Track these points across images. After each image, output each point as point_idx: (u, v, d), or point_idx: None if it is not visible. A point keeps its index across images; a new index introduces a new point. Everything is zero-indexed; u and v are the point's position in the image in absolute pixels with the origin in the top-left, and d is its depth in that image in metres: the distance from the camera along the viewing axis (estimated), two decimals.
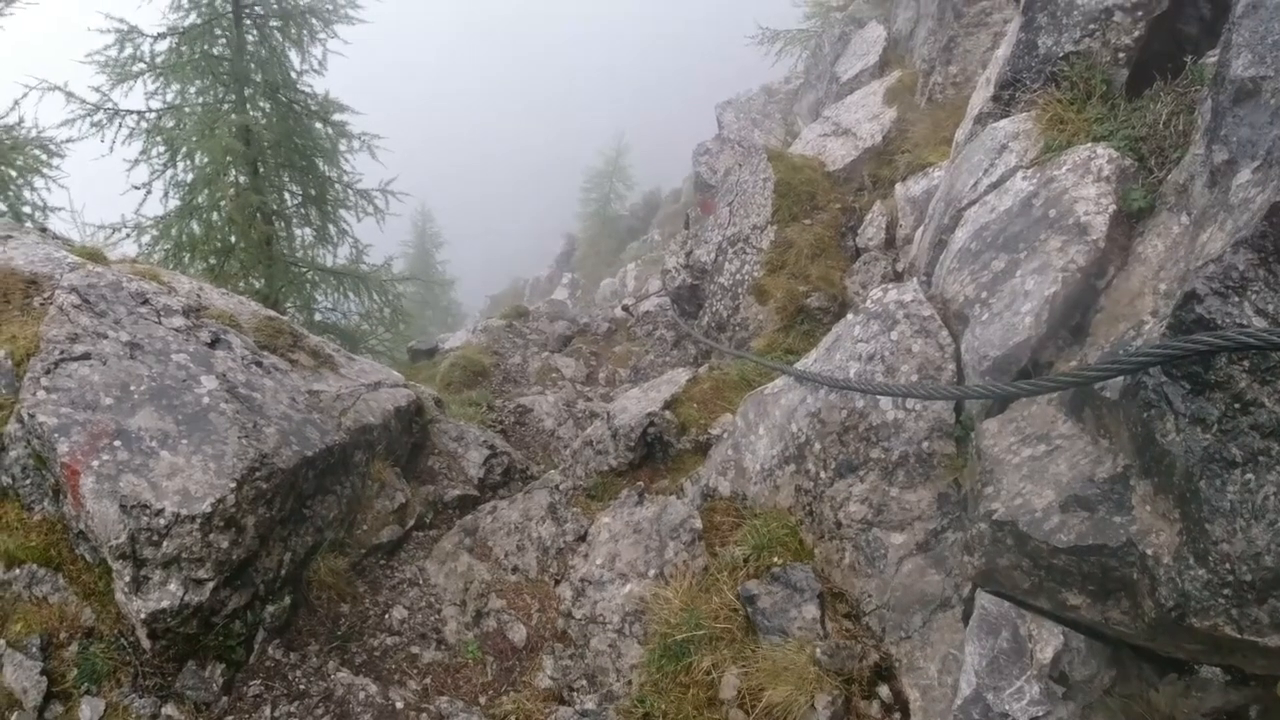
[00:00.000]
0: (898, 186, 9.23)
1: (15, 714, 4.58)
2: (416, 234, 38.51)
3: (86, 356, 5.24)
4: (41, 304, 5.84)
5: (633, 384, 11.28)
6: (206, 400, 5.24)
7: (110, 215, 12.82)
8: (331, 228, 14.45)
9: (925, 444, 4.64)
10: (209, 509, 4.67)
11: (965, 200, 5.42)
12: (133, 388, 5.14)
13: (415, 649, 5.51)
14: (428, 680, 5.32)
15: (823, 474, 5.05)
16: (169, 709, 4.71)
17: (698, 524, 5.53)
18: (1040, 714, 3.49)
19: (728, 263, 9.94)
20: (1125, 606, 2.98)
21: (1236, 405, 2.57)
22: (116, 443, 4.81)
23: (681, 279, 11.10)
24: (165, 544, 4.58)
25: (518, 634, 5.60)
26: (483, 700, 5.23)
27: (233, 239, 13.65)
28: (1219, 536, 2.55)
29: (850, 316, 5.36)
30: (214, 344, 5.87)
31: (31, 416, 4.91)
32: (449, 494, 7.15)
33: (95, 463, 4.70)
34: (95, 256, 6.90)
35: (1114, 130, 4.56)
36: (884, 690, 4.50)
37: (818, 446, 5.09)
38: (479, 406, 10.32)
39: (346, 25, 13.80)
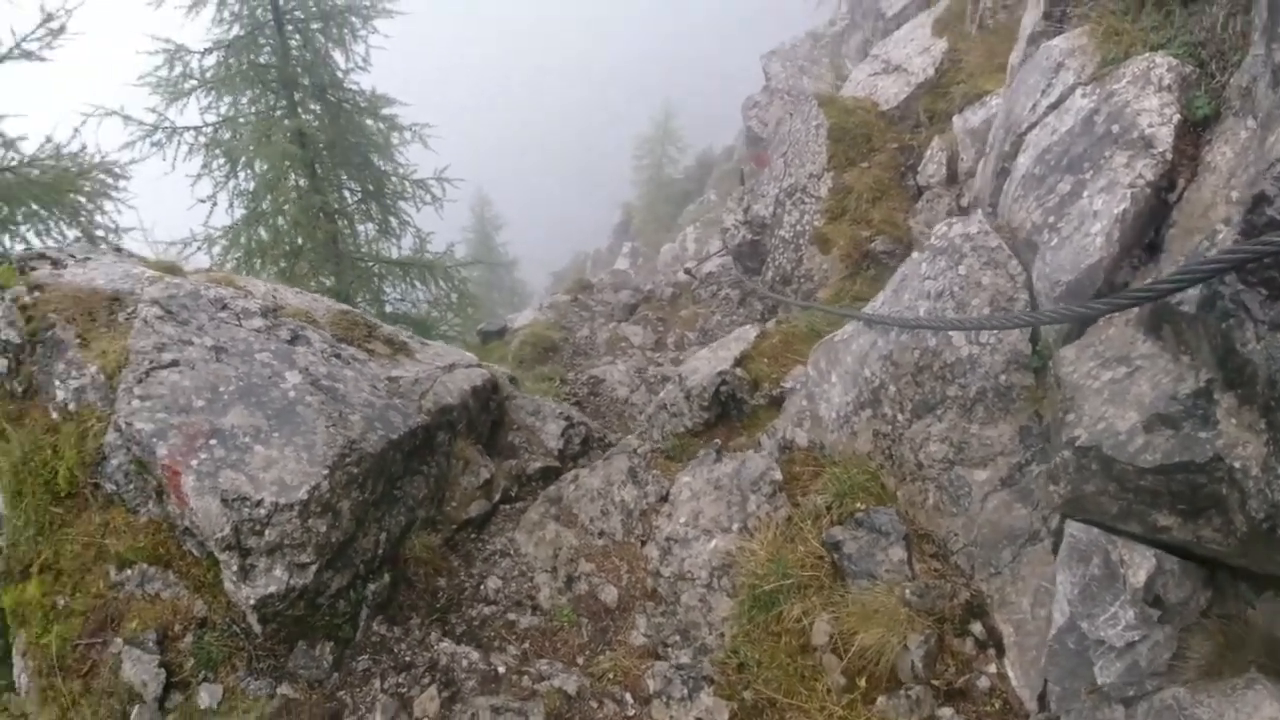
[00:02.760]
0: (955, 119, 9.01)
1: (136, 707, 4.83)
2: (476, 219, 38.87)
3: (175, 363, 5.47)
4: (126, 319, 6.10)
5: (702, 346, 11.32)
6: (292, 394, 5.45)
7: (179, 230, 13.25)
8: (393, 220, 14.71)
9: (1002, 377, 4.57)
10: (305, 496, 4.88)
11: (1025, 124, 5.29)
12: (221, 389, 5.37)
13: (512, 616, 5.68)
14: (526, 645, 5.49)
15: (900, 416, 5.02)
16: (284, 688, 4.95)
17: (777, 475, 5.56)
18: (1136, 639, 3.44)
19: (786, 215, 9.84)
20: (1217, 524, 2.93)
21: None
22: (212, 441, 5.04)
23: (741, 236, 11.03)
24: (267, 532, 4.79)
25: (609, 595, 5.73)
26: (580, 660, 5.37)
27: (299, 240, 14.00)
28: None
29: (915, 255, 5.29)
30: (293, 340, 6.08)
31: (129, 425, 5.16)
32: (531, 466, 7.30)
33: (194, 462, 4.93)
34: (172, 269, 7.17)
35: (1171, 37, 4.39)
36: (976, 627, 4.49)
37: (893, 389, 5.06)
38: (552, 381, 10.48)
39: (385, 19, 13.96)
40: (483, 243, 37.25)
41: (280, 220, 13.71)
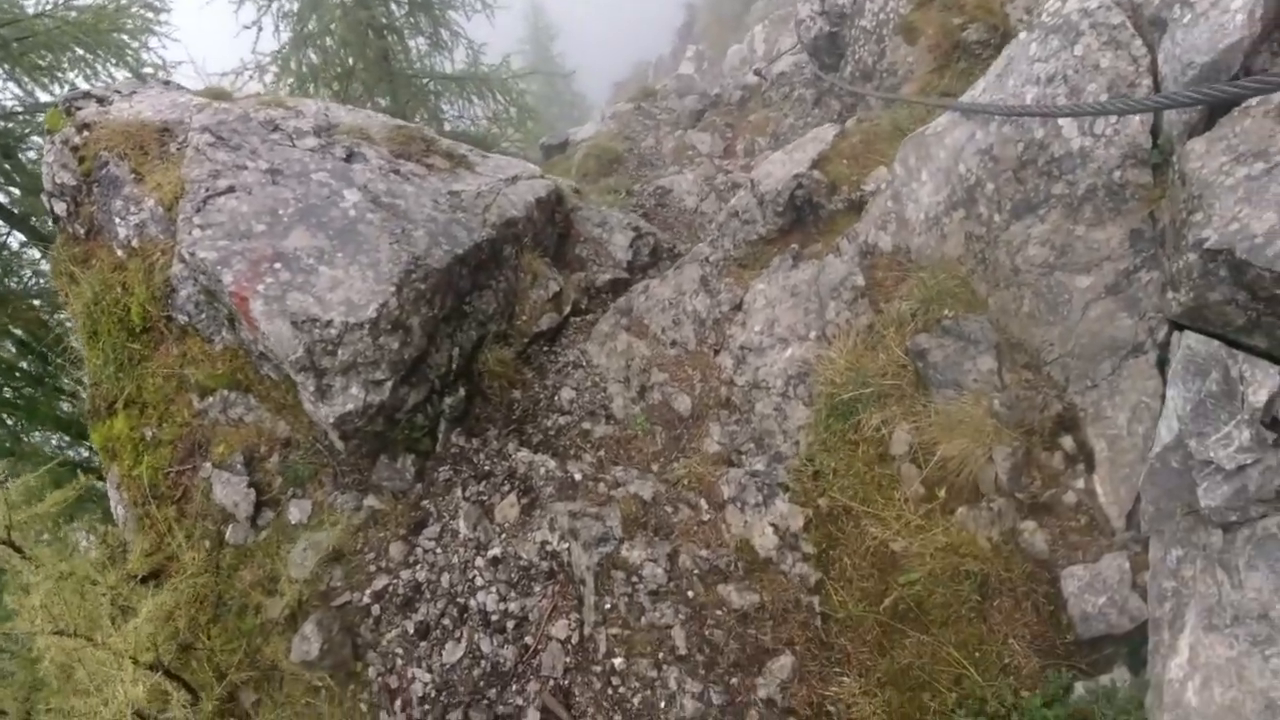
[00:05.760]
0: None
1: (230, 526, 5.11)
2: (530, 28, 37.13)
3: (231, 190, 5.38)
4: (178, 149, 5.97)
5: (775, 151, 10.79)
6: (353, 213, 5.33)
7: (229, 61, 12.88)
8: (444, 32, 14.09)
9: (1117, 174, 4.14)
10: (374, 314, 4.85)
11: None
12: (281, 212, 5.27)
13: (587, 425, 5.73)
14: (601, 453, 5.56)
15: (997, 217, 4.65)
16: (370, 500, 5.14)
17: (859, 281, 5.30)
18: (1247, 461, 3.20)
19: (869, 1, 9.02)
20: None
21: None
22: (276, 265, 4.99)
23: (818, 28, 10.19)
24: (340, 352, 4.80)
25: (683, 404, 5.71)
26: (655, 468, 5.43)
27: (350, 61, 13.55)
28: None
29: (1023, 35, 4.72)
30: (350, 158, 5.91)
31: (192, 254, 5.13)
32: (600, 278, 7.17)
33: (260, 287, 4.90)
34: (220, 95, 6.97)
35: None
36: (1067, 441, 4.31)
37: (990, 187, 4.66)
38: (618, 194, 10.17)
39: None
40: (538, 53, 35.67)
41: (329, 40, 13.22)
